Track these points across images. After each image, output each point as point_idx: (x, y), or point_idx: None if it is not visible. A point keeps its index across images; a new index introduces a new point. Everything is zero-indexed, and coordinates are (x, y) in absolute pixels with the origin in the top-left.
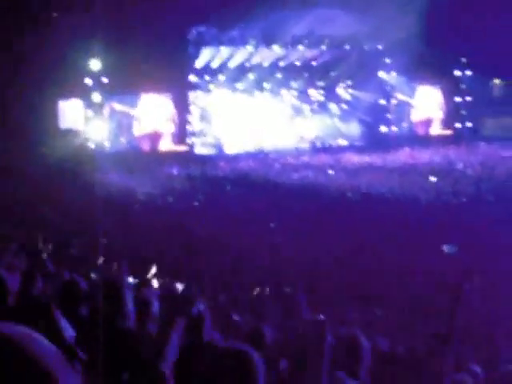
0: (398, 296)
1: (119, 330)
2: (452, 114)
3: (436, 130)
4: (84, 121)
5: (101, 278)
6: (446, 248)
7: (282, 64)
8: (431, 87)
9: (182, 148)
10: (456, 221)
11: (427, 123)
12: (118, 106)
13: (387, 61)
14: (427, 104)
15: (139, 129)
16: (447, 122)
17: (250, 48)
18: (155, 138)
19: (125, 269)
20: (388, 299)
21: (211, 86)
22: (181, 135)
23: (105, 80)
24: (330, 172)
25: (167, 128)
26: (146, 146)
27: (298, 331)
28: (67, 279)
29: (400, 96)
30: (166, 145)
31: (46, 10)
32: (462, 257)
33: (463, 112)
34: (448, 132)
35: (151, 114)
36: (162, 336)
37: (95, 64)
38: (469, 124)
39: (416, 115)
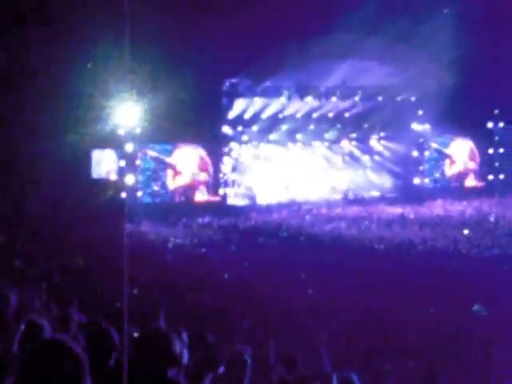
0: (428, 348)
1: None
2: (485, 166)
3: (469, 181)
4: (116, 171)
5: (141, 330)
6: (475, 308)
7: (314, 115)
8: (464, 139)
9: (215, 198)
10: (488, 274)
11: (460, 175)
12: (152, 153)
13: (420, 112)
14: (460, 156)
15: (172, 179)
16: (480, 174)
17: (283, 99)
18: (188, 188)
19: (161, 319)
20: (420, 351)
21: (244, 137)
22: (214, 186)
23: (138, 130)
24: (364, 223)
25: (200, 178)
26: (179, 197)
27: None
28: (98, 330)
29: (433, 148)
30: (200, 195)
31: (80, 61)
32: (491, 316)
33: (496, 164)
34: (481, 184)
35: (184, 164)
36: None
37: (129, 115)
38: (501, 176)
39: (449, 167)
